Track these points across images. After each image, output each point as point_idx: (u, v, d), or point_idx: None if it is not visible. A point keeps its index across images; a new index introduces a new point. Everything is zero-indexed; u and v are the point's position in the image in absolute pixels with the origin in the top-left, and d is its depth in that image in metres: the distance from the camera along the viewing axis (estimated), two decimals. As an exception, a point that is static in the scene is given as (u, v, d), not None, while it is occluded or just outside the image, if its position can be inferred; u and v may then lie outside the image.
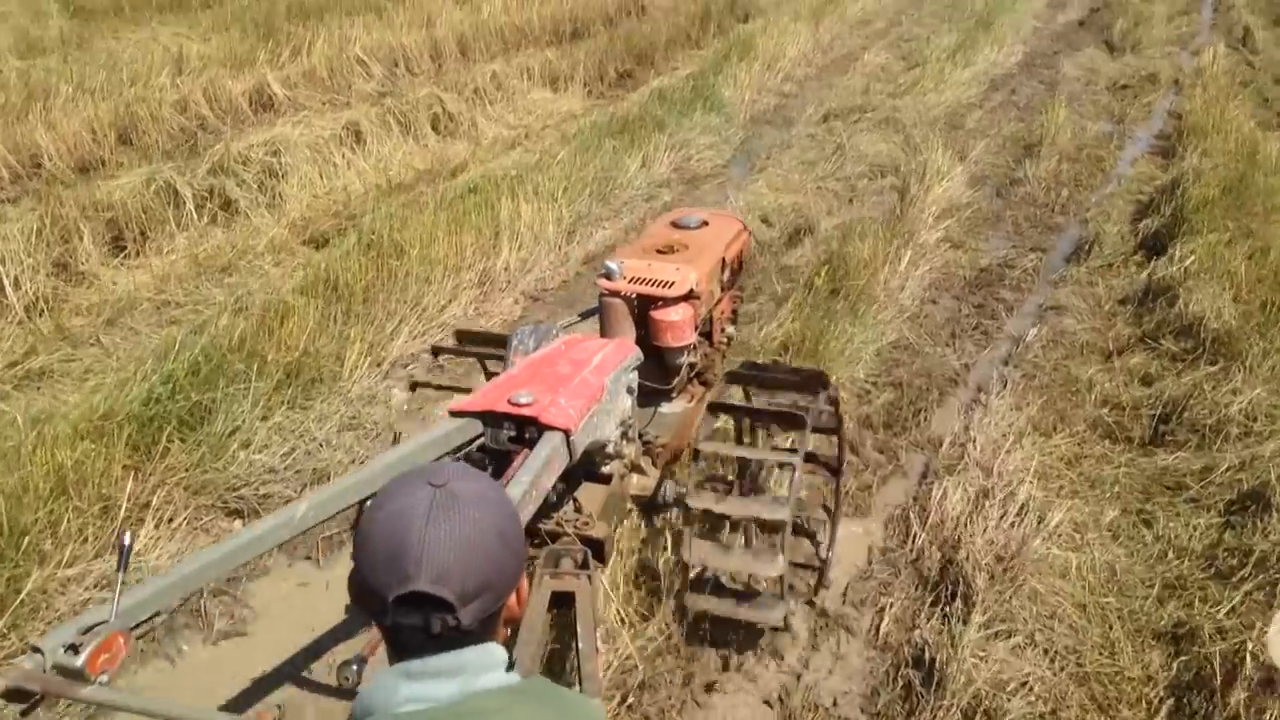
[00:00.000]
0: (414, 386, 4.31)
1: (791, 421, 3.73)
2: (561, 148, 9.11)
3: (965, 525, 4.40)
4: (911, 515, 4.60)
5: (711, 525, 3.86)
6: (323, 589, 4.17)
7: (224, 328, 5.33)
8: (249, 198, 7.64)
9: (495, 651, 1.36)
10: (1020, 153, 9.97)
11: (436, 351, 4.45)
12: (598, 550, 3.30)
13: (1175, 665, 3.66)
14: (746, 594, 3.73)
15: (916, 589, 4.18)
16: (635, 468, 3.87)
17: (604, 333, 4.15)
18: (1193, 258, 6.40)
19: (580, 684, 2.74)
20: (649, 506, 4.04)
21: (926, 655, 3.76)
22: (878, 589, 4.19)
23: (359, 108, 9.85)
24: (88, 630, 2.10)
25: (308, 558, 4.32)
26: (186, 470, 4.36)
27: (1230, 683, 3.41)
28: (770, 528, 3.76)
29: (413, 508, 1.30)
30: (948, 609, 3.98)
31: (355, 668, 2.51)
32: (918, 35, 15.07)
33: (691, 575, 3.72)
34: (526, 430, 3.13)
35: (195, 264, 6.73)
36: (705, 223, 4.66)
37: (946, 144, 9.43)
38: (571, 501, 3.54)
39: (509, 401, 3.14)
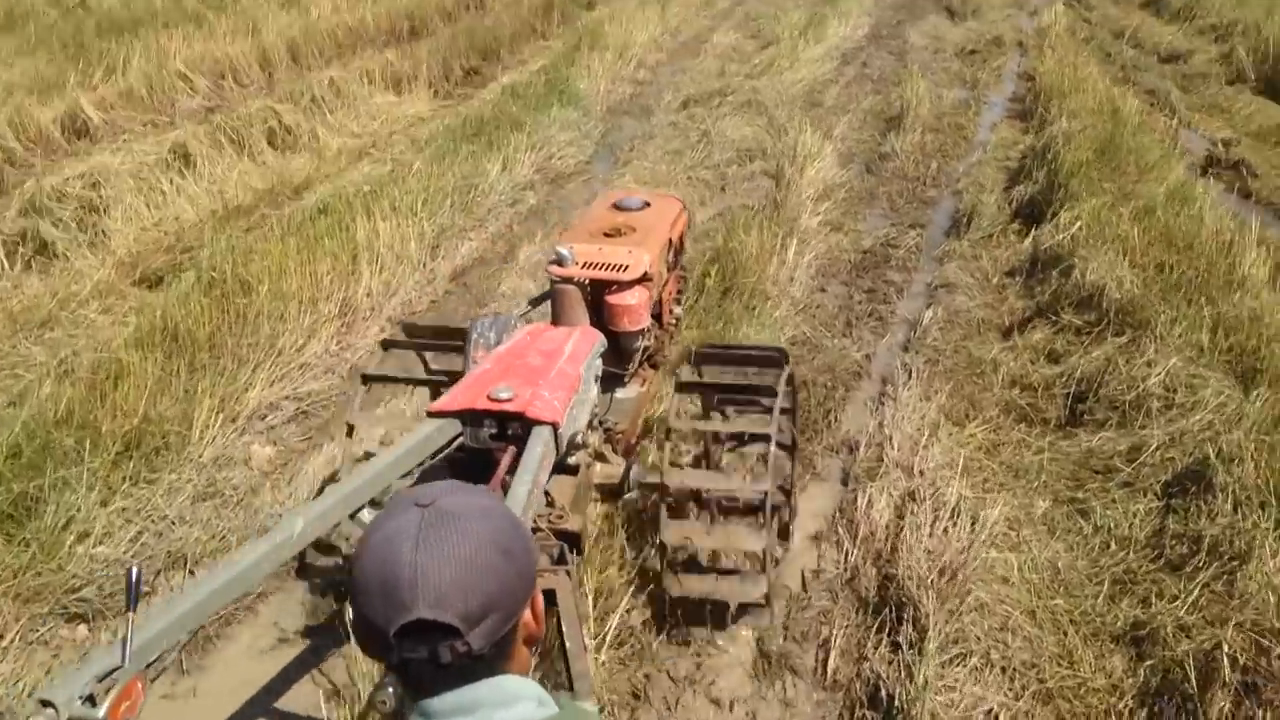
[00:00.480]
0: (366, 380, 3.99)
1: (759, 393, 3.83)
2: (414, 155, 8.54)
3: (897, 535, 4.11)
4: (840, 529, 4.29)
5: (682, 507, 3.75)
6: (190, 697, 3.59)
7: (48, 397, 4.65)
8: (67, 238, 6.84)
9: (509, 685, 1.25)
10: (883, 126, 9.83)
11: (387, 346, 4.14)
12: (574, 543, 3.17)
13: (1141, 671, 3.42)
14: (725, 572, 3.66)
15: (858, 613, 3.85)
16: (599, 456, 3.80)
17: (556, 320, 4.04)
18: (1079, 224, 6.26)
19: (571, 684, 2.65)
20: (616, 494, 3.92)
21: (882, 692, 3.44)
22: (818, 619, 3.84)
23: (185, 127, 9.06)
24: (102, 677, 1.92)
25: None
26: (15, 576, 3.70)
27: (1207, 687, 3.18)
28: (745, 504, 3.67)
29: (401, 532, 1.20)
30: (895, 635, 3.66)
31: (391, 690, 2.15)
32: (764, 14, 14.85)
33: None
34: (509, 426, 3.07)
35: (10, 320, 5.94)
36: (647, 203, 4.59)
37: (810, 123, 9.23)
38: (543, 495, 3.39)
39: (489, 398, 3.07)
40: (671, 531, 3.53)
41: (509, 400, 3.05)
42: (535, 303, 4.50)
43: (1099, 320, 5.29)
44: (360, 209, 6.81)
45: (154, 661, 2.10)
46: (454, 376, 3.71)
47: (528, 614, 1.29)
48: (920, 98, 9.84)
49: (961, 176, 8.51)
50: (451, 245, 7.21)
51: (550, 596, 2.72)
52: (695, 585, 3.61)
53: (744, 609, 3.76)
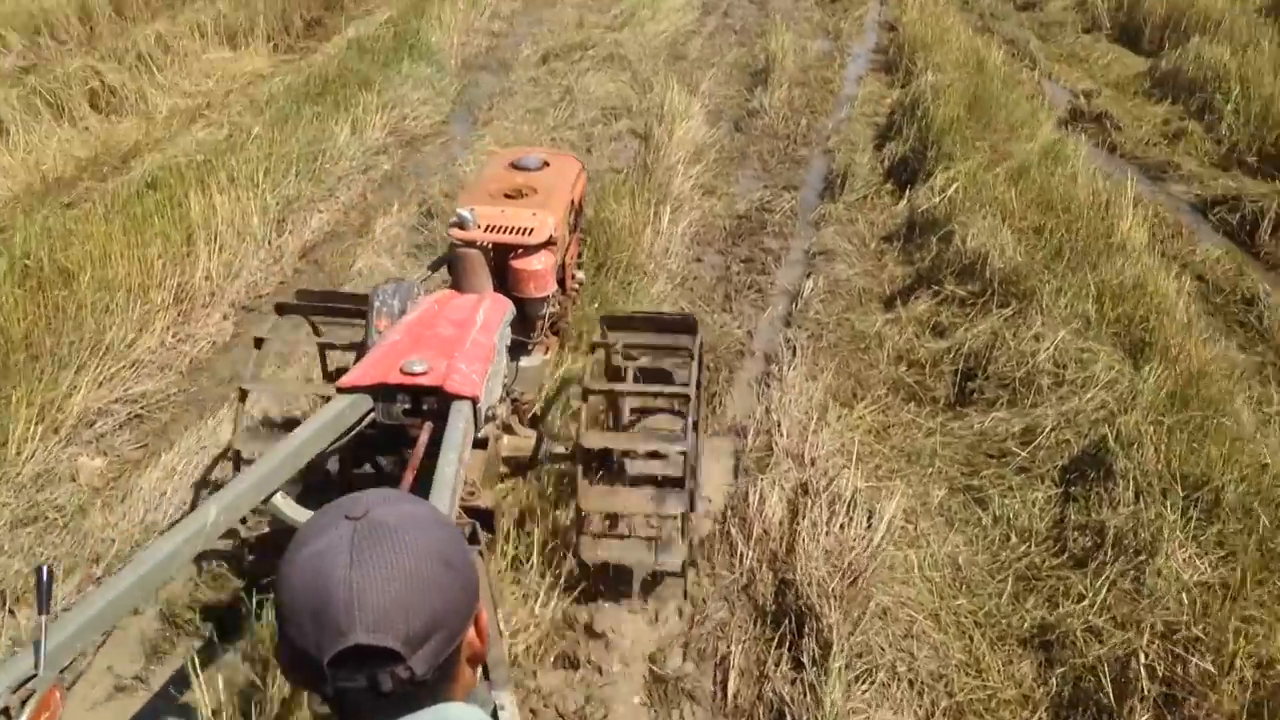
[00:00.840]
0: (281, 309, 3.83)
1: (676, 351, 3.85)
2: (254, 119, 7.89)
3: (793, 534, 3.89)
4: (733, 529, 4.04)
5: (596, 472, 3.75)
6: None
7: None
8: None
9: (453, 713, 1.13)
10: (749, 81, 9.56)
11: (282, 309, 3.88)
12: (486, 521, 3.09)
13: (1053, 679, 3.27)
14: (643, 539, 3.61)
15: (757, 624, 3.62)
16: (506, 428, 3.70)
17: (457, 286, 3.89)
18: (955, 186, 6.12)
19: (486, 673, 2.50)
20: (528, 467, 3.85)
21: (787, 717, 3.21)
22: (715, 634, 3.60)
23: (-4, 89, 8.19)
24: (16, 687, 1.77)
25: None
26: None
27: (1124, 699, 3.04)
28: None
29: (332, 548, 1.09)
30: (797, 649, 3.44)
31: None
32: (621, -42, 14.36)
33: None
34: (425, 401, 2.95)
35: None
36: (546, 163, 4.44)
37: (675, 78, 8.92)
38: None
39: (402, 371, 2.93)
40: (588, 496, 3.45)
41: (424, 374, 2.91)
42: (435, 267, 4.27)
43: (983, 290, 5.14)
44: (194, 182, 6.20)
45: (68, 667, 1.96)
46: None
47: (471, 631, 1.17)
48: (786, 50, 9.59)
49: (831, 134, 8.32)
50: (299, 219, 6.67)
51: None
52: (613, 552, 3.51)
53: (656, 581, 3.68)
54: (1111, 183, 6.26)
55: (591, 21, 11.13)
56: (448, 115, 8.81)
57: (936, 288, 5.39)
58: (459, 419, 2.82)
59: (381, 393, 2.96)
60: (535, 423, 4.04)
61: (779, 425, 4.56)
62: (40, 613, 1.77)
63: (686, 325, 3.87)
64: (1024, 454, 4.14)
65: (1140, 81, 9.19)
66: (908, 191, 6.80)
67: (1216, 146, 7.52)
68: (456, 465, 2.62)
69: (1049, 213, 5.67)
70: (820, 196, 7.24)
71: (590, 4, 12.11)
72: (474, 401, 2.92)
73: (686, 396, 3.56)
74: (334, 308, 3.88)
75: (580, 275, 4.82)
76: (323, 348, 4.02)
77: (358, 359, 3.37)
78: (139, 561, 2.23)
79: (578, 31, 10.69)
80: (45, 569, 1.77)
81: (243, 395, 3.57)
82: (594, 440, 3.53)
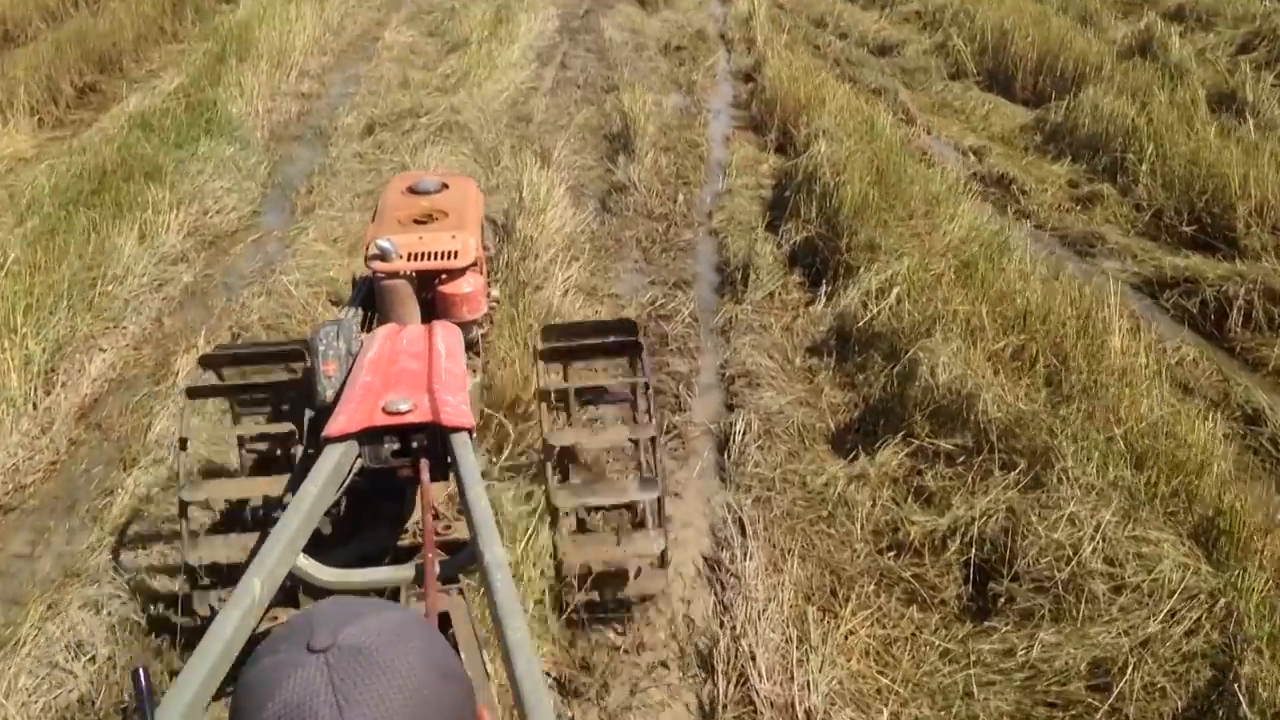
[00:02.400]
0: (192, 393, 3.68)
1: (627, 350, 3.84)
2: (12, 226, 6.29)
3: None
4: None
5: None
6: None
7: None
8: None
9: None
10: (608, 147, 8.46)
11: (206, 363, 3.76)
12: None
13: None
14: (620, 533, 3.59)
15: None
16: None
17: (385, 320, 3.75)
18: (895, 293, 5.14)
19: None
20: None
21: None
22: None
23: None
24: None
25: None
26: None
27: None
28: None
29: (309, 696, 0.89)
30: None
31: None
32: (438, 4, 13.06)
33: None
34: (414, 439, 2.86)
35: None
36: (445, 185, 4.35)
37: (522, 145, 7.81)
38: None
39: (385, 411, 2.86)
40: (562, 495, 3.46)
41: (410, 411, 2.86)
42: (354, 304, 3.91)
43: (976, 445, 4.08)
44: (-78, 340, 4.66)
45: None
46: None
47: None
48: (648, 113, 8.52)
49: (713, 210, 7.31)
50: (74, 366, 5.18)
51: (445, 620, 2.45)
52: (592, 552, 3.50)
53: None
54: (1077, 279, 5.40)
55: (419, 80, 9.80)
56: (259, 203, 7.40)
57: (907, 434, 4.35)
58: (467, 452, 2.76)
59: (369, 436, 2.86)
60: None
61: (752, 659, 3.43)
62: (149, 717, 1.55)
63: (626, 327, 3.88)
64: (1103, 708, 3.09)
65: (1028, 135, 8.50)
66: (824, 287, 5.83)
67: (1137, 213, 6.82)
68: (487, 501, 2.54)
69: (1023, 329, 4.71)
70: (719, 293, 6.19)
71: (413, 59, 10.80)
72: (470, 432, 2.85)
73: (647, 384, 3.63)
74: (264, 353, 3.80)
75: (495, 293, 4.73)
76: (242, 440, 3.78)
77: (316, 419, 3.24)
78: (204, 653, 2.04)
79: (404, 93, 9.35)
80: (141, 670, 1.51)
81: (183, 508, 3.39)
82: (561, 438, 3.57)
